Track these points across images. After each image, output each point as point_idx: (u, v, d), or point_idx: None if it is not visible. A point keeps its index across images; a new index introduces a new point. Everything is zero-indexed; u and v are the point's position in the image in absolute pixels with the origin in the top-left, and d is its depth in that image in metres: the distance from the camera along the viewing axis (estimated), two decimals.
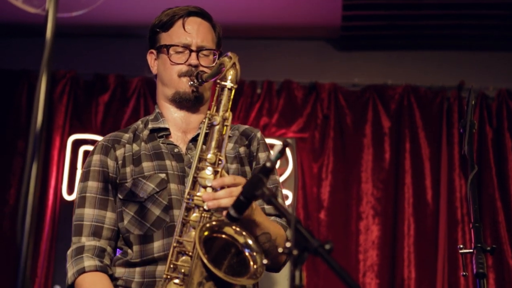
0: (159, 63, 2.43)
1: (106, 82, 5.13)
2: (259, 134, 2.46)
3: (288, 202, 4.79)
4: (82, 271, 2.21)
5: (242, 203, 1.75)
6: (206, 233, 2.00)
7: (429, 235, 4.73)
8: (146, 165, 2.31)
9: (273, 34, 5.21)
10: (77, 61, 5.23)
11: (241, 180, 2.05)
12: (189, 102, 2.36)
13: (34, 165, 1.25)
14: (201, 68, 2.34)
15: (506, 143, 4.85)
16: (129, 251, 2.27)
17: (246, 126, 2.49)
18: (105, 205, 2.30)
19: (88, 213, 2.29)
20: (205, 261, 1.92)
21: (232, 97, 2.22)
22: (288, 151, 4.80)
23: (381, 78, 5.08)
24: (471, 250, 2.12)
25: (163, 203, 2.25)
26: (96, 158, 2.35)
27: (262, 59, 5.17)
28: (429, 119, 4.94)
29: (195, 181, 2.14)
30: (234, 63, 2.20)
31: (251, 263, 2.02)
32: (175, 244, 2.10)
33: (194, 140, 2.37)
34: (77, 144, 4.95)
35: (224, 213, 1.97)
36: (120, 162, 2.33)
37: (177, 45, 2.36)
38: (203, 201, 2.07)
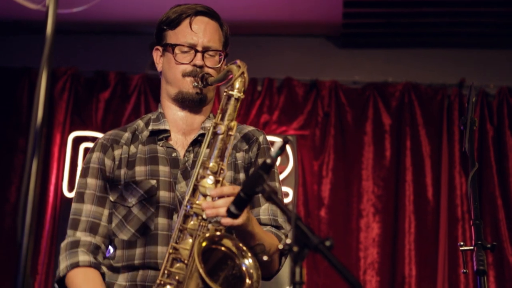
0: (164, 61, 2.41)
1: (106, 79, 5.13)
2: (261, 138, 2.42)
3: (288, 199, 4.80)
4: (76, 265, 2.21)
5: (242, 200, 1.75)
6: (204, 243, 1.99)
7: (429, 232, 4.73)
8: (138, 169, 2.31)
9: (274, 31, 5.21)
10: (78, 58, 5.23)
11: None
12: (191, 103, 2.34)
13: (34, 162, 1.25)
14: (206, 69, 2.32)
15: (507, 141, 4.85)
16: (113, 254, 2.29)
17: (250, 129, 2.45)
18: (103, 202, 2.30)
19: (86, 209, 2.29)
20: (202, 273, 1.91)
21: (238, 106, 2.18)
22: (288, 148, 4.80)
23: (382, 76, 5.07)
24: (472, 248, 2.12)
25: (151, 211, 2.24)
26: (95, 155, 2.35)
27: (263, 56, 5.17)
28: (429, 116, 4.94)
29: (195, 189, 2.13)
30: (242, 72, 2.17)
31: (247, 278, 2.01)
32: (171, 251, 2.09)
33: (194, 143, 2.35)
34: (77, 141, 4.95)
35: (222, 220, 1.98)
36: (116, 163, 2.33)
37: (183, 45, 2.34)
38: (202, 210, 2.06)
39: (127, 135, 2.38)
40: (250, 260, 2.02)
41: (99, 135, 4.65)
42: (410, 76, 5.05)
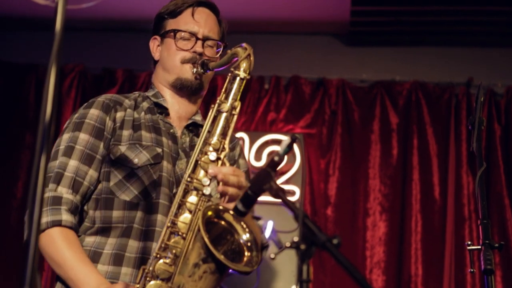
0: (162, 49, 2.44)
1: (114, 76, 5.14)
2: (240, 141, 2.48)
3: (295, 197, 4.80)
4: (58, 223, 2.11)
5: (250, 197, 1.75)
6: (210, 213, 2.02)
7: (436, 231, 4.72)
8: (144, 134, 2.28)
9: (282, 29, 5.20)
10: (85, 55, 5.24)
11: (240, 173, 2.11)
12: (189, 90, 2.36)
13: (42, 158, 1.25)
14: (205, 57, 2.34)
15: None
16: (102, 215, 2.20)
17: None
18: (91, 161, 2.22)
19: (72, 165, 2.19)
20: (207, 241, 1.92)
21: (242, 87, 2.22)
22: (295, 146, 4.80)
23: (389, 74, 5.06)
24: (479, 247, 2.11)
25: (153, 177, 2.21)
26: (94, 112, 2.28)
27: (270, 54, 5.16)
28: (437, 115, 4.93)
29: (196, 165, 2.14)
30: (249, 54, 2.21)
31: (246, 252, 2.03)
32: (169, 224, 2.08)
33: (188, 127, 2.38)
34: None
35: (231, 205, 1.98)
36: (118, 124, 2.28)
37: (185, 31, 2.37)
38: (203, 185, 2.09)
39: (129, 101, 2.37)
40: (250, 236, 2.04)
41: None
42: (418, 74, 5.04)
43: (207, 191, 2.11)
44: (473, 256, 2.20)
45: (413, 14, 4.85)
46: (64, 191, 2.16)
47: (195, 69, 2.33)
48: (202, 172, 2.13)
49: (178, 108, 2.40)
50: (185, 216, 2.09)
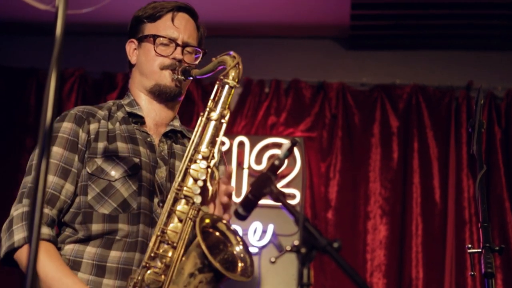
0: (140, 53, 2.41)
1: (114, 80, 5.14)
2: (221, 148, 2.48)
3: (295, 201, 4.79)
4: None
5: (250, 201, 1.75)
6: (208, 221, 2.01)
7: (437, 235, 4.71)
8: (120, 145, 2.25)
9: (282, 33, 5.20)
10: (85, 59, 5.24)
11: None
12: (168, 96, 2.34)
13: (43, 162, 1.25)
14: (185, 64, 2.32)
15: None
16: (82, 228, 2.17)
17: None
18: (66, 175, 2.19)
19: (47, 180, 2.18)
20: (205, 250, 1.91)
21: (231, 95, 2.21)
22: (296, 150, 4.80)
23: (390, 78, 5.07)
24: (480, 250, 2.11)
25: (132, 188, 2.19)
26: (67, 125, 2.24)
27: (270, 58, 5.16)
28: (437, 118, 4.93)
29: (186, 173, 2.13)
30: (237, 63, 2.19)
31: (239, 262, 2.03)
32: (158, 233, 2.07)
33: (166, 135, 2.36)
34: None
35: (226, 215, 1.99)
36: (92, 136, 2.25)
37: (164, 37, 2.34)
38: (194, 194, 2.09)
39: (102, 112, 2.33)
40: (243, 246, 2.05)
41: None
42: (418, 78, 5.04)
43: (198, 199, 2.10)
44: (474, 259, 2.20)
45: (413, 18, 4.86)
46: None
47: (175, 76, 2.30)
48: (191, 180, 2.12)
49: (155, 115, 2.37)
50: (175, 225, 2.09)
